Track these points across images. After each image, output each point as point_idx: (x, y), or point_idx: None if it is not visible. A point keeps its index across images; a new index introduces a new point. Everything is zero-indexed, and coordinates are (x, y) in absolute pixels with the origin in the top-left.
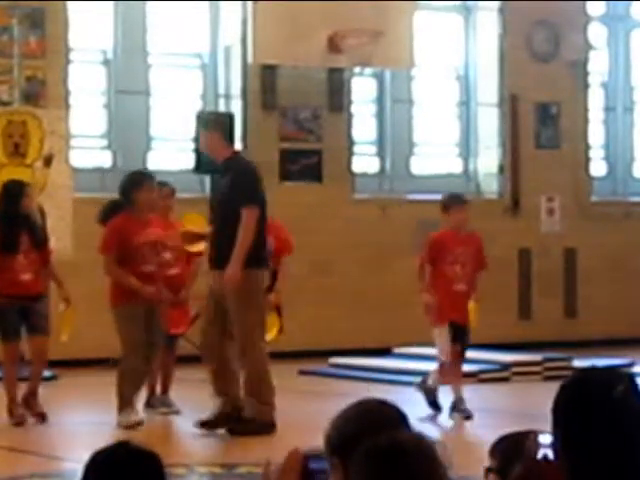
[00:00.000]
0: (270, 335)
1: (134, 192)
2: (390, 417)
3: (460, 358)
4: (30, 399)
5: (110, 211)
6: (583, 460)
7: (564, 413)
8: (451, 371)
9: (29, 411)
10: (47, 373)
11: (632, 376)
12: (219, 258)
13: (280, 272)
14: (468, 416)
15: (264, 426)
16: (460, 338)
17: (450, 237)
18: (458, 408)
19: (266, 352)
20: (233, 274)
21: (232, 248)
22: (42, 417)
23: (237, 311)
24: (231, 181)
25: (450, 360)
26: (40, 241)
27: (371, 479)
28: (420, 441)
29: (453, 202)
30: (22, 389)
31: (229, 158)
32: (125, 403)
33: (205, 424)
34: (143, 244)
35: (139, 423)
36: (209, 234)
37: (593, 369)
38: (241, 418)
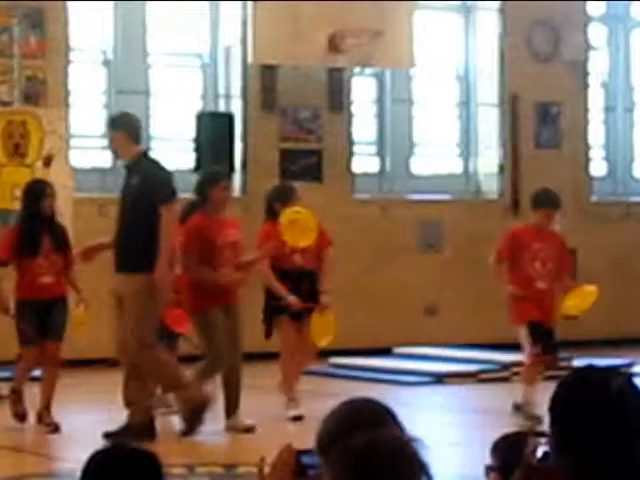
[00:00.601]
0: (327, 340)
1: (210, 190)
2: (377, 416)
3: (542, 360)
4: (44, 414)
5: (188, 212)
6: (584, 458)
7: (563, 411)
8: (531, 373)
9: (42, 425)
10: None
11: (630, 374)
12: (142, 260)
13: (325, 269)
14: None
15: (202, 406)
16: (543, 339)
17: (529, 233)
18: (524, 411)
19: None
20: (166, 273)
21: (148, 249)
22: (56, 428)
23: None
24: (144, 179)
25: (531, 362)
26: (61, 243)
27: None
28: (396, 440)
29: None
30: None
31: (136, 157)
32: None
33: (111, 435)
34: (223, 246)
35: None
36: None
37: (590, 367)
38: (154, 427)
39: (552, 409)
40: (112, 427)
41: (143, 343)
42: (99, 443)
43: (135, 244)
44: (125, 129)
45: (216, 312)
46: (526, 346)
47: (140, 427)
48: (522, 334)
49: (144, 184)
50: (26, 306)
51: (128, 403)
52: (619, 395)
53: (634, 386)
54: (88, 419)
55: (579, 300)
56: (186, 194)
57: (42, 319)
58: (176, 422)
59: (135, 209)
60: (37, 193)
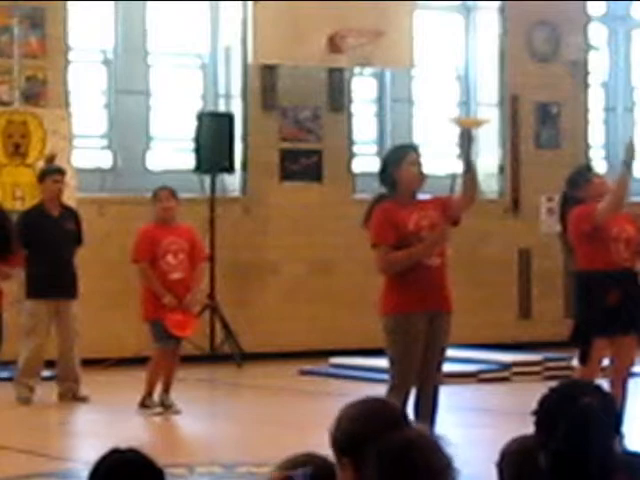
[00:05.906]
0: None
1: (394, 170)
2: (393, 416)
3: None
4: None
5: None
6: (559, 463)
7: (543, 417)
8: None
9: None
10: (47, 373)
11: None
12: None
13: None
14: None
15: None
16: None
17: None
18: None
19: None
20: None
21: None
22: None
23: None
24: None
25: None
26: None
27: (386, 478)
28: (428, 437)
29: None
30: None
31: None
32: None
33: None
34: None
35: None
36: None
37: (573, 381)
38: None
39: (538, 412)
40: (111, 427)
41: None
42: (100, 443)
43: None
44: None
45: (416, 315)
46: None
47: None
48: None
49: None
50: None
51: None
52: (586, 410)
53: (605, 401)
54: (89, 419)
55: None
56: (186, 194)
57: None
58: (176, 422)
59: None
60: None
